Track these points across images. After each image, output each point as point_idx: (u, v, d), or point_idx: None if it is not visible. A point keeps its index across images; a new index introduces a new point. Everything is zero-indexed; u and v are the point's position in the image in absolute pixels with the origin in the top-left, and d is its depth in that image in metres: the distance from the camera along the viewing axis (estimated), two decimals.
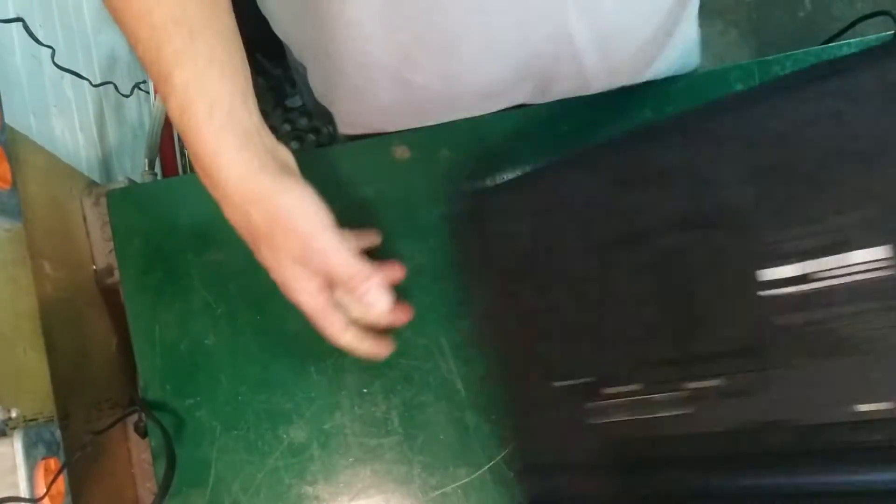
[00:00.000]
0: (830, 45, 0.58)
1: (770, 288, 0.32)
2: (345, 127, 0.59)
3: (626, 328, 0.37)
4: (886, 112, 0.30)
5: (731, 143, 0.34)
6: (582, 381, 0.38)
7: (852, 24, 0.61)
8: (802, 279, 0.31)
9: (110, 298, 0.59)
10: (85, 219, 0.60)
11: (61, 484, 0.44)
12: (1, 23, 0.60)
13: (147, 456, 0.55)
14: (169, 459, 0.52)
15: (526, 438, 0.42)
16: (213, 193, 0.39)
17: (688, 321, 0.35)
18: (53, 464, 0.43)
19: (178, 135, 0.38)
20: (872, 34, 0.58)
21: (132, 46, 0.39)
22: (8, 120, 0.49)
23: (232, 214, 0.39)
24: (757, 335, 0.32)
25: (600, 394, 0.37)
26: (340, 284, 0.40)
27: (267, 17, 0.56)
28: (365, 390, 0.53)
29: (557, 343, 0.39)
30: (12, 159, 0.48)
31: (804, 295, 0.31)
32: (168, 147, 0.78)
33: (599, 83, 0.53)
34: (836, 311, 0.30)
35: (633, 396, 0.36)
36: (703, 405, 0.34)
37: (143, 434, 0.54)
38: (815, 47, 0.55)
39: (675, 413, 0.35)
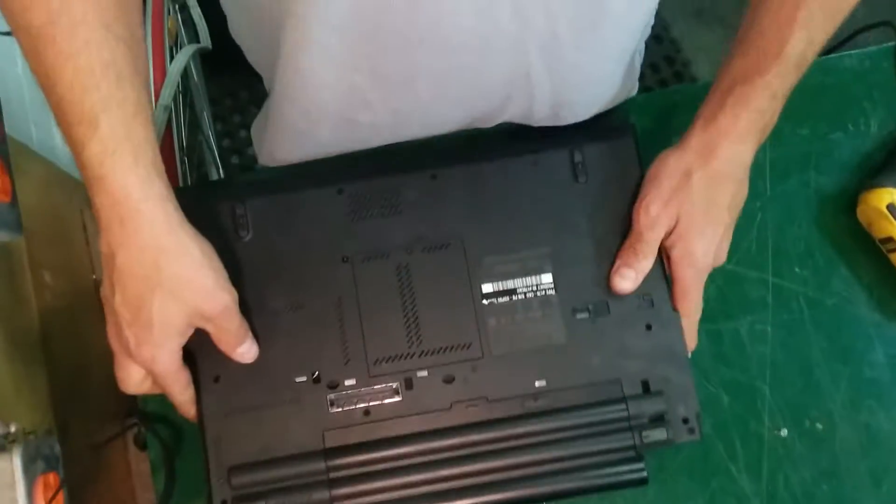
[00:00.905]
0: (831, 56, 0.58)
1: (488, 298, 0.46)
2: (266, 159, 0.58)
3: (366, 330, 0.46)
4: (563, 188, 0.47)
5: (462, 188, 0.47)
6: (316, 375, 0.45)
7: (853, 35, 0.61)
8: (512, 292, 0.46)
9: None
10: (85, 228, 0.60)
11: (60, 500, 0.44)
12: (2, 35, 0.60)
13: (146, 468, 0.55)
14: (168, 472, 0.51)
15: (242, 435, 0.45)
16: (118, 238, 0.38)
17: (420, 323, 0.46)
18: (53, 479, 0.43)
19: (88, 180, 0.37)
20: (873, 45, 0.58)
21: (45, 86, 0.37)
22: (9, 130, 0.49)
23: (133, 260, 0.38)
24: (476, 333, 0.46)
25: (336, 386, 0.45)
26: (224, 339, 0.43)
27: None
28: None
29: (300, 342, 0.46)
30: (13, 169, 0.47)
31: (511, 303, 0.46)
32: (168, 157, 0.78)
33: (542, 116, 0.53)
34: (529, 315, 0.46)
35: (364, 387, 0.45)
36: (423, 391, 0.45)
37: (143, 446, 0.53)
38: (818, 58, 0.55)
39: (396, 399, 0.45)
